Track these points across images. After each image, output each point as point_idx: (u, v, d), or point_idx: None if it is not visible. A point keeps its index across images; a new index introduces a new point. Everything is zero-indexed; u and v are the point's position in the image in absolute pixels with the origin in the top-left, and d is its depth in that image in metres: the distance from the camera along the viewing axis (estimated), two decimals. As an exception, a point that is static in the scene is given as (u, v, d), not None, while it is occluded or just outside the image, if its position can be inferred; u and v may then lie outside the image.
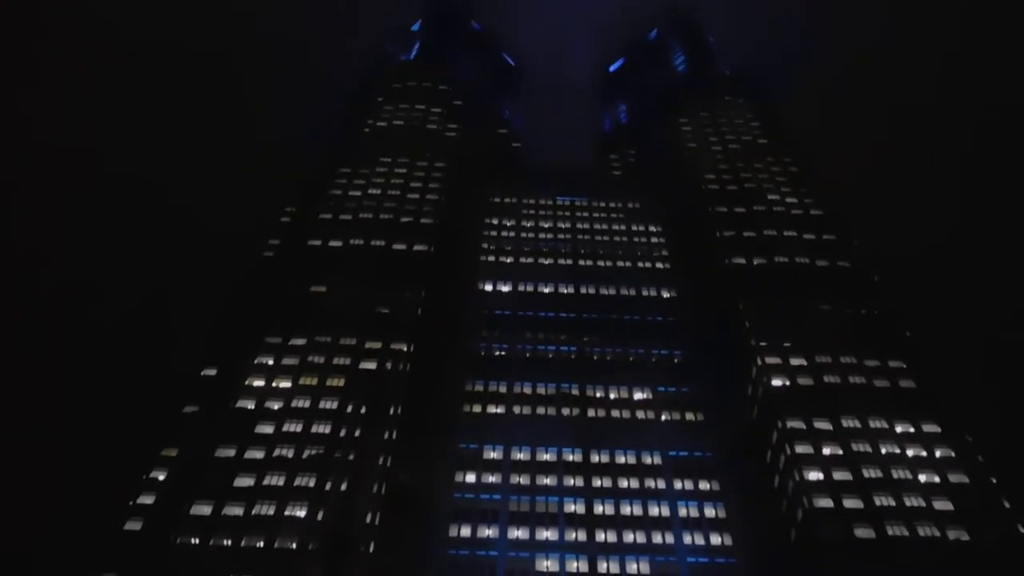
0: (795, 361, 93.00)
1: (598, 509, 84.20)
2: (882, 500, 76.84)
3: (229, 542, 71.08)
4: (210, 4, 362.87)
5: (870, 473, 79.55)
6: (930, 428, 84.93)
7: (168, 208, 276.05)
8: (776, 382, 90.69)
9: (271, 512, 73.34)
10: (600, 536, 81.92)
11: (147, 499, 75.54)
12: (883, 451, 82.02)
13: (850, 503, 76.84)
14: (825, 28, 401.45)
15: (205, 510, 73.80)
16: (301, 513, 73.46)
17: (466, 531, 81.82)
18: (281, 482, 76.42)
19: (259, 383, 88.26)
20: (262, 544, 70.69)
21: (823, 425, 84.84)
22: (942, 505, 76.75)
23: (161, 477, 79.22)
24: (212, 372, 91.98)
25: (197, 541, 70.96)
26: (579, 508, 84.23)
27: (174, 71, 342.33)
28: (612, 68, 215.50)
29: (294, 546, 70.42)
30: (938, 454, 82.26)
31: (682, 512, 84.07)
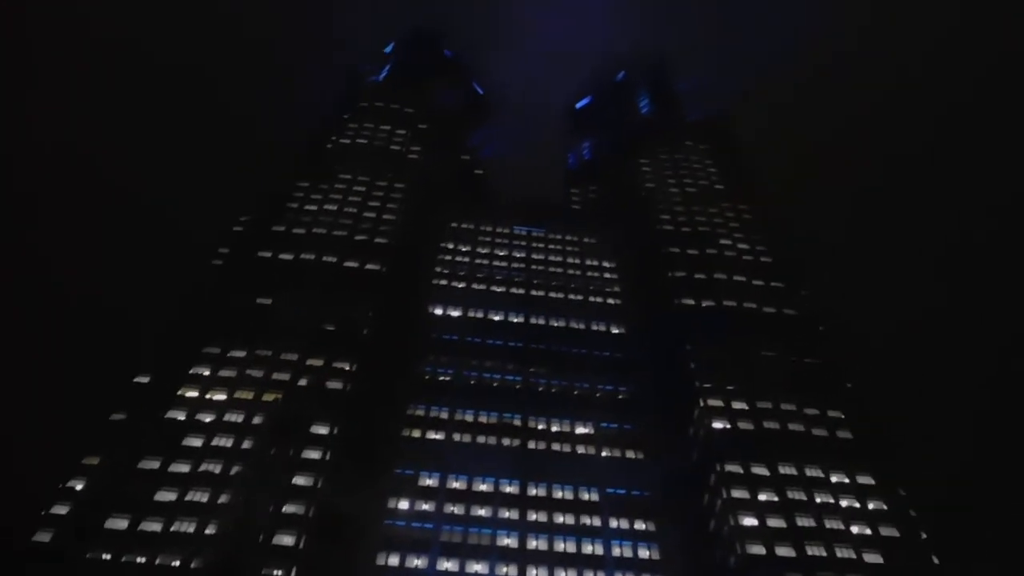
0: (737, 405, 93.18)
1: (532, 544, 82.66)
2: (814, 550, 76.69)
3: (143, 559, 68.28)
4: (187, 15, 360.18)
5: (804, 522, 79.47)
6: (864, 480, 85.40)
7: (135, 211, 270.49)
8: (717, 425, 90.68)
9: (191, 530, 70.90)
10: (532, 572, 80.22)
11: (61, 509, 72.42)
12: (817, 500, 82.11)
13: (782, 551, 76.54)
14: (805, 71, 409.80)
15: (121, 524, 71.05)
16: (221, 532, 70.96)
17: (394, 560, 79.51)
18: (205, 498, 73.95)
19: (192, 394, 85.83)
20: (178, 563, 68.03)
21: (760, 471, 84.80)
22: (872, 558, 76.84)
23: (79, 487, 76.17)
24: (145, 380, 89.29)
25: (109, 557, 68.04)
26: (512, 542, 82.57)
27: (148, 79, 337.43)
28: (579, 105, 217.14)
29: (208, 566, 67.79)
30: (871, 506, 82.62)
31: (616, 551, 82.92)
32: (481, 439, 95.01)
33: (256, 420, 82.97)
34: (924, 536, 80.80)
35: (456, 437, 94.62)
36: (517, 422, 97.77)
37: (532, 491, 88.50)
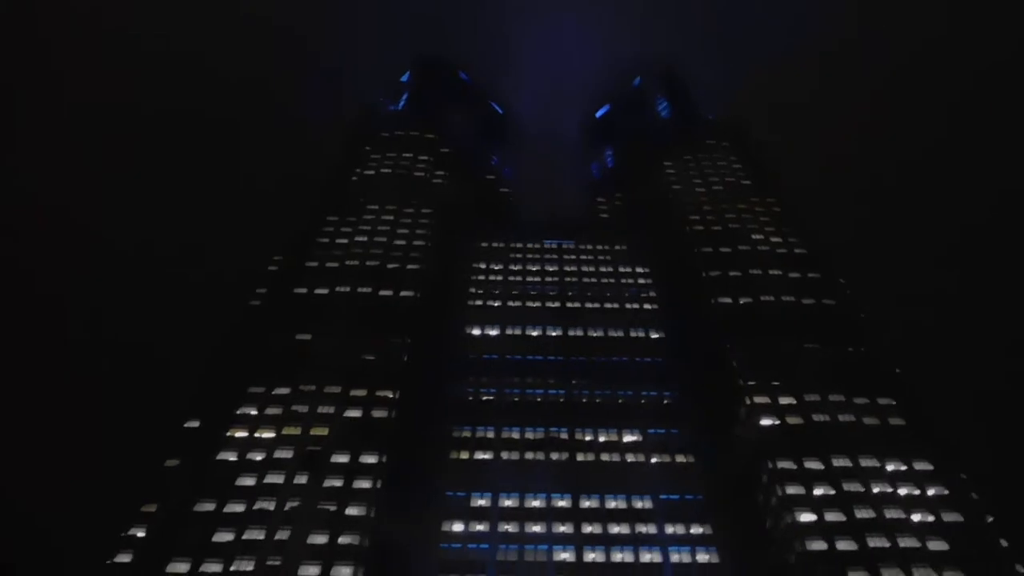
0: (784, 400, 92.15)
1: (588, 557, 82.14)
2: (876, 542, 75.46)
3: (207, 600, 69.20)
4: (195, 58, 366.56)
5: (863, 514, 78.23)
6: (922, 466, 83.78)
7: (159, 260, 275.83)
8: (765, 422, 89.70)
9: (250, 568, 71.62)
10: (591, 585, 79.95)
11: (124, 558, 74.09)
12: (875, 491, 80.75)
13: (843, 545, 75.41)
14: (812, 69, 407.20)
15: (183, 568, 72.13)
16: (279, 568, 71.67)
17: (453, 582, 79.71)
18: (262, 536, 74.79)
19: (242, 434, 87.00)
20: (241, 601, 68.84)
21: (814, 465, 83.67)
22: (937, 546, 75.31)
23: (140, 534, 77.83)
24: (195, 424, 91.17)
25: (174, 600, 69.09)
26: (569, 556, 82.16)
27: (161, 126, 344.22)
28: (598, 114, 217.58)
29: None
30: (931, 493, 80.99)
31: (674, 558, 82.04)
32: (529, 455, 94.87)
33: (306, 455, 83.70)
34: (990, 519, 78.94)
35: (504, 456, 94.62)
36: (564, 436, 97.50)
37: (585, 504, 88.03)
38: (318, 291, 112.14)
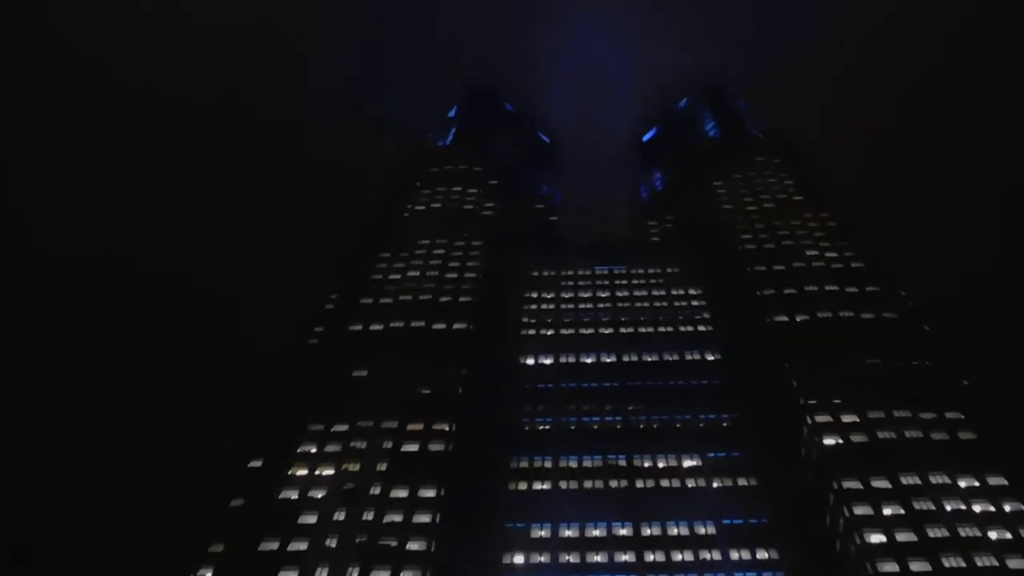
0: (847, 418, 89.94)
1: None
2: (951, 562, 72.57)
3: (275, 638, 70.11)
4: (227, 98, 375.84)
5: (936, 533, 75.46)
6: (996, 481, 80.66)
7: (213, 300, 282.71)
8: (829, 441, 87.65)
9: (315, 604, 72.35)
10: (656, 614, 78.84)
11: (194, 597, 75.35)
12: (948, 508, 77.91)
13: (917, 566, 72.80)
14: (857, 78, 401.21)
15: (250, 606, 73.17)
16: (346, 603, 72.42)
17: (516, 614, 79.40)
18: (326, 574, 75.56)
19: (303, 472, 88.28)
20: (307, 638, 69.61)
21: (881, 484, 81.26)
22: (1017, 564, 72.02)
23: (208, 575, 79.28)
24: (258, 463, 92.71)
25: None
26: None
27: (201, 169, 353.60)
28: (645, 138, 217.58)
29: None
30: (1008, 508, 77.77)
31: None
32: (588, 484, 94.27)
33: (366, 491, 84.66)
34: (1073, 534, 75.50)
35: (563, 485, 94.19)
36: (623, 462, 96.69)
37: (646, 531, 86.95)
38: (373, 327, 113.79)
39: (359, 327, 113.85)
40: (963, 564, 72.19)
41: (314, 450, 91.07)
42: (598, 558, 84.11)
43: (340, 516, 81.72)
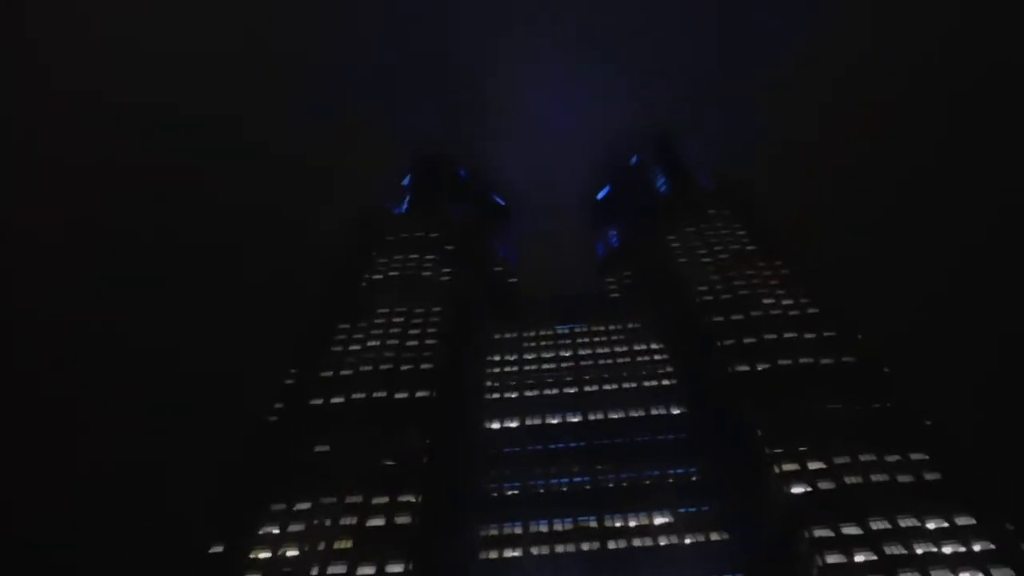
0: (813, 465, 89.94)
1: (630, 649, 79.18)
2: (926, 605, 72.22)
3: None
4: (185, 181, 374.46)
5: (908, 577, 75.14)
6: (964, 521, 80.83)
7: (173, 376, 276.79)
8: (796, 489, 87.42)
9: None
10: None
11: None
12: (919, 551, 77.72)
13: (892, 612, 72.25)
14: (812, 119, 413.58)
15: None
16: None
17: None
18: (291, 660, 72.78)
19: (266, 555, 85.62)
20: None
21: (852, 530, 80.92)
22: (991, 604, 71.99)
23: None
24: (219, 548, 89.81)
25: None
26: (610, 651, 79.26)
27: (161, 248, 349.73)
28: (599, 196, 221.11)
29: None
30: (977, 548, 77.84)
31: (718, 641, 78.90)
32: (560, 548, 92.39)
33: (330, 570, 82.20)
34: (1045, 570, 75.57)
35: (534, 551, 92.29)
36: (593, 524, 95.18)
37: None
38: (334, 400, 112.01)
39: (320, 401, 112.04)
40: (938, 607, 71.75)
41: (276, 531, 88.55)
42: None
43: (305, 599, 79.08)
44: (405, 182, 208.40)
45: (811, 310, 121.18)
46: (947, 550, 77.80)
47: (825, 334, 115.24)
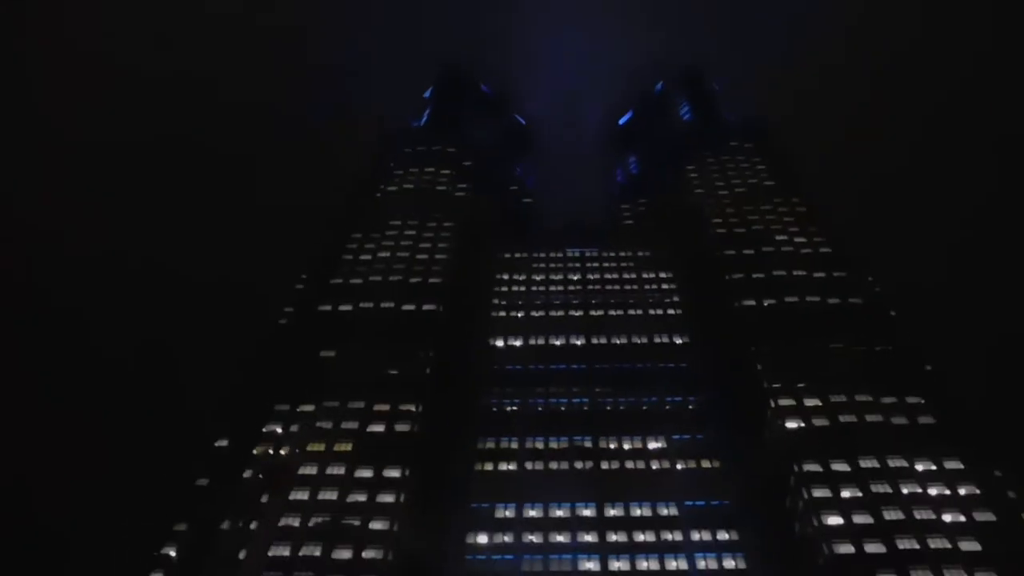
0: (809, 402, 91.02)
1: (614, 566, 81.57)
2: (905, 544, 74.14)
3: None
4: (201, 83, 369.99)
5: (892, 515, 76.92)
6: (952, 465, 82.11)
7: (186, 281, 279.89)
8: (791, 424, 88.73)
9: (276, 583, 72.42)
10: (617, 593, 79.58)
11: None
12: (904, 491, 79.35)
13: (872, 548, 74.21)
14: (832, 65, 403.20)
15: (210, 586, 73.15)
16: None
17: (478, 594, 79.87)
18: (287, 552, 75.66)
19: (268, 452, 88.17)
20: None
21: (841, 467, 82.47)
22: (969, 546, 73.69)
23: (172, 553, 79.09)
24: (224, 443, 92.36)
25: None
26: (594, 565, 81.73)
27: (171, 153, 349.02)
28: (621, 121, 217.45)
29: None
30: (963, 492, 79.28)
31: (700, 564, 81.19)
32: (554, 465, 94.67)
33: (329, 471, 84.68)
34: (1027, 517, 76.98)
35: (528, 466, 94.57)
36: (588, 444, 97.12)
37: (610, 512, 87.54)
38: (342, 308, 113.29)
39: (328, 308, 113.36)
40: (917, 546, 73.63)
41: (280, 430, 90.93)
42: (561, 538, 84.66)
43: (303, 496, 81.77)
44: (426, 95, 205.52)
45: (823, 249, 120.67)
46: (932, 492, 79.32)
47: (835, 274, 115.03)
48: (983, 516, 76.66)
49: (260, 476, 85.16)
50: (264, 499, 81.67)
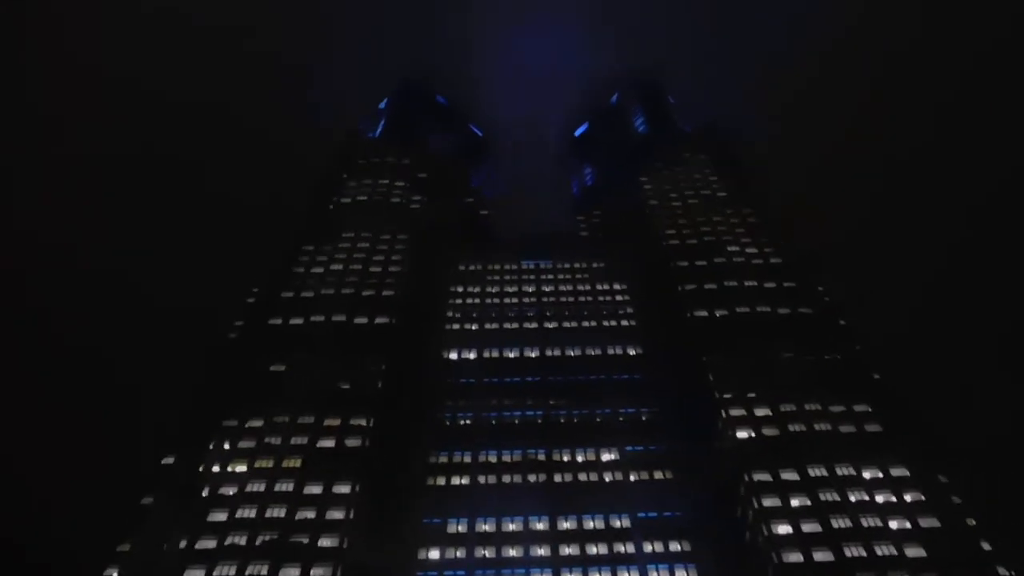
0: (760, 412, 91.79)
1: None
2: (852, 551, 74.82)
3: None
4: (176, 96, 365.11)
5: (839, 523, 77.64)
6: (899, 472, 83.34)
7: (133, 294, 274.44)
8: (741, 434, 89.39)
9: (221, 604, 70.80)
10: (569, 607, 79.24)
11: (94, 599, 72.99)
12: (852, 499, 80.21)
13: (820, 555, 74.86)
14: (788, 76, 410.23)
15: (152, 606, 71.19)
16: (252, 603, 70.98)
17: (430, 611, 78.92)
18: (232, 571, 74.03)
19: (215, 468, 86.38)
20: (210, 639, 68.01)
21: (790, 476, 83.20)
22: (915, 552, 74.67)
23: (115, 574, 76.88)
24: (171, 460, 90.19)
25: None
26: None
27: (127, 159, 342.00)
28: (577, 132, 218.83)
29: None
30: (908, 499, 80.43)
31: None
32: (507, 478, 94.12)
33: (277, 488, 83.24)
34: (972, 523, 78.30)
35: (481, 480, 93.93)
36: (542, 457, 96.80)
37: (563, 525, 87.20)
38: (293, 321, 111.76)
39: (278, 321, 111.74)
40: (864, 553, 74.40)
41: (227, 446, 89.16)
42: (513, 552, 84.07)
43: (250, 513, 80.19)
44: (382, 105, 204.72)
45: (774, 260, 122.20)
46: (880, 499, 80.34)
47: (785, 284, 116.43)
48: (928, 522, 77.83)
49: (206, 493, 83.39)
50: (210, 517, 79.84)
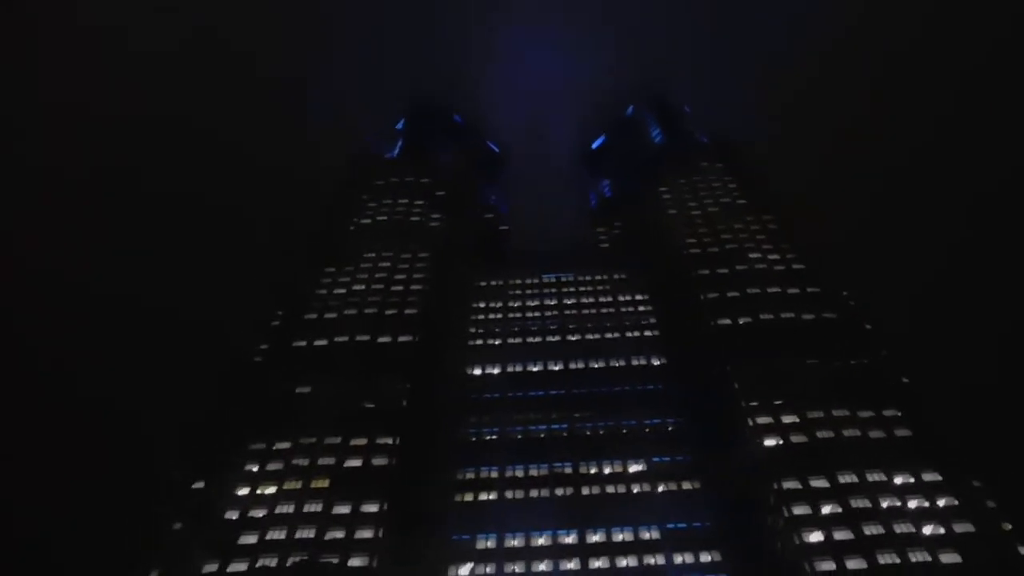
0: (787, 419, 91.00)
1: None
2: (886, 558, 73.75)
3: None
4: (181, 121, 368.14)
5: (872, 530, 76.60)
6: (931, 477, 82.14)
7: (162, 319, 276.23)
8: (769, 442, 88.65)
9: (253, 626, 71.15)
10: (601, 621, 78.79)
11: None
12: (884, 505, 79.19)
13: (853, 564, 73.85)
14: (810, 86, 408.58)
15: (187, 630, 71.71)
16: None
17: (462, 628, 78.82)
18: (264, 594, 74.48)
19: (244, 491, 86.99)
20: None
21: (819, 483, 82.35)
22: (950, 559, 73.51)
23: (148, 601, 77.66)
24: (200, 485, 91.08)
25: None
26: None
27: (140, 184, 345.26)
28: (594, 146, 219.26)
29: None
30: (941, 504, 79.26)
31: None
32: (534, 493, 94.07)
33: (306, 508, 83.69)
34: (1008, 527, 77.04)
35: (509, 495, 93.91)
36: (568, 470, 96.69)
37: (591, 538, 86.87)
38: (317, 343, 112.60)
39: (303, 343, 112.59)
40: (898, 560, 73.40)
41: (256, 469, 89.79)
42: (543, 567, 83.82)
43: (280, 535, 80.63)
44: (398, 126, 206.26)
45: (796, 266, 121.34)
46: (912, 505, 79.26)
47: (809, 290, 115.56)
48: (962, 528, 76.63)
49: (236, 516, 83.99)
50: (241, 540, 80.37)
